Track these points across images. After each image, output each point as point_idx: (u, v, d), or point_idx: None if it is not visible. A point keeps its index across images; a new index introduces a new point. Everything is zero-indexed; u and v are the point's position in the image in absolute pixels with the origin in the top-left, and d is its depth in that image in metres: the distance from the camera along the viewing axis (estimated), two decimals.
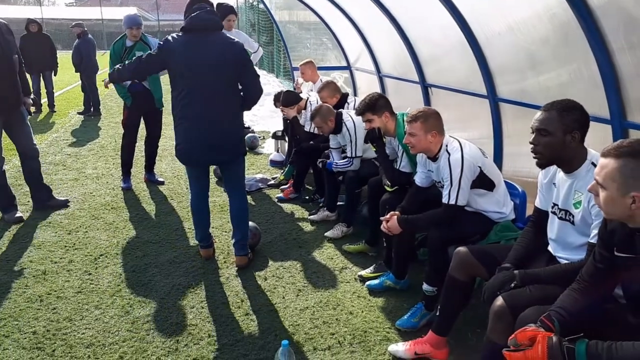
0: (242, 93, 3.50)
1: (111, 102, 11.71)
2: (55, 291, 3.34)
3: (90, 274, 3.60)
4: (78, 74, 10.41)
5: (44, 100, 10.61)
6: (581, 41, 2.70)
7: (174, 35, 3.35)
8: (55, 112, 10.52)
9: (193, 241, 4.03)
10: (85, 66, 10.08)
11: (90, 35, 10.41)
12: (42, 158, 6.67)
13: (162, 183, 5.72)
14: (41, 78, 10.30)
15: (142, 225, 4.51)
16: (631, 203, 1.54)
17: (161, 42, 3.38)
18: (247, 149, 7.29)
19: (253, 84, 3.47)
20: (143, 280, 3.51)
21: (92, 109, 10.24)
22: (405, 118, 3.03)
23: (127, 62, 3.71)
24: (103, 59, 12.28)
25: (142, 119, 5.51)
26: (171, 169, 6.30)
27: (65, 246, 4.03)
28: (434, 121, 2.91)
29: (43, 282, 3.47)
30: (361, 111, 3.50)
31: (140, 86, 5.21)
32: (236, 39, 3.45)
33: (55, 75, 10.50)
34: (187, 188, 5.49)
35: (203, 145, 3.38)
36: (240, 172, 3.69)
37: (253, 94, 3.51)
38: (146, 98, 5.29)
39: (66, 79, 14.96)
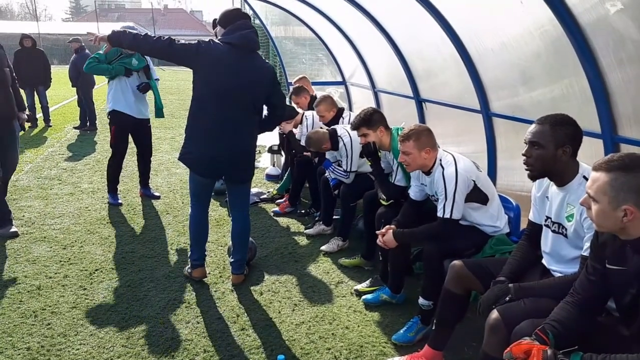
0: (267, 112, 3.55)
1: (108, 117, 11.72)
2: (49, 306, 3.32)
3: (85, 289, 3.58)
4: (74, 88, 10.43)
5: (39, 115, 10.63)
6: (572, 57, 2.75)
7: (216, 41, 3.29)
8: (51, 126, 10.53)
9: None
10: (82, 81, 10.11)
11: (87, 51, 10.46)
12: (37, 172, 6.72)
13: (158, 197, 5.71)
14: (35, 93, 10.33)
15: (137, 239, 4.50)
16: (623, 216, 1.56)
17: (200, 41, 3.23)
18: None
19: (281, 104, 3.56)
20: (138, 295, 3.49)
21: (88, 124, 10.26)
22: (398, 137, 3.07)
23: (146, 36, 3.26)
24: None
25: (129, 137, 5.46)
26: (167, 184, 6.30)
27: (60, 261, 4.02)
28: (426, 138, 2.94)
29: (37, 297, 3.45)
30: (356, 126, 3.54)
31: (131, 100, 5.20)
32: (268, 61, 3.50)
33: (47, 89, 10.54)
34: (183, 202, 5.49)
35: (223, 159, 3.34)
36: (248, 193, 3.70)
37: (280, 112, 3.58)
38: (130, 120, 5.27)
39: (62, 94, 15.00)
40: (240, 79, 3.25)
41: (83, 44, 10.39)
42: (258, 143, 7.91)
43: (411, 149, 2.93)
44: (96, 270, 3.87)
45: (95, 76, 10.57)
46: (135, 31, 3.38)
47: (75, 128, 10.30)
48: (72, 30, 35.11)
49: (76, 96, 10.60)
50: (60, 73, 11.92)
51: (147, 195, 5.72)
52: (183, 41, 3.26)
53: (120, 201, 5.47)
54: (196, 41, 3.26)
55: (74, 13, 77.40)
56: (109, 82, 5.27)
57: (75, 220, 4.96)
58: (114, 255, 4.14)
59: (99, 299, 3.44)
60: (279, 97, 3.53)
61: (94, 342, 2.93)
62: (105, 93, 5.48)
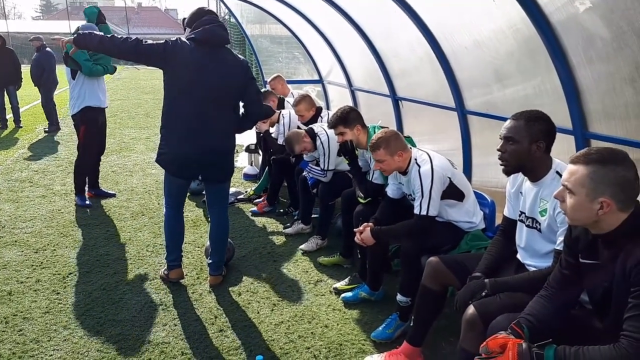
0: (243, 110, 3.47)
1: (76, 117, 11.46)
2: (21, 312, 3.24)
3: (58, 293, 3.50)
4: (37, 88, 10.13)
5: (9, 116, 10.34)
6: (544, 55, 2.80)
7: (183, 39, 3.24)
8: (21, 127, 10.24)
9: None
10: (45, 79, 9.85)
11: (48, 48, 10.20)
12: (7, 175, 6.55)
13: (114, 195, 5.64)
14: (5, 93, 10.05)
15: (112, 242, 4.42)
16: (599, 209, 1.59)
17: (168, 41, 3.19)
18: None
19: (256, 101, 3.46)
20: (114, 298, 3.43)
21: (52, 125, 9.99)
22: (370, 142, 3.07)
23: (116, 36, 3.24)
24: (62, 74, 12.02)
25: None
26: (142, 184, 6.21)
27: (32, 265, 3.92)
28: (395, 142, 2.96)
29: (9, 302, 3.35)
30: (334, 124, 3.54)
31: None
32: (241, 56, 3.43)
33: (18, 89, 10.26)
34: (159, 203, 5.42)
35: (198, 159, 3.28)
36: (226, 193, 3.65)
37: (256, 109, 3.49)
38: (100, 113, 5.25)
39: (33, 94, 14.58)
40: (209, 75, 3.18)
41: (45, 42, 10.14)
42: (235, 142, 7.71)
43: (383, 156, 2.96)
44: (69, 273, 3.79)
45: (58, 76, 10.27)
46: (100, 33, 3.31)
47: (45, 131, 10.01)
48: (43, 29, 34.39)
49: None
50: (30, 73, 11.59)
51: (100, 195, 5.60)
52: (151, 41, 3.20)
53: (88, 202, 5.34)
54: (163, 41, 3.20)
55: (45, 11, 75.54)
56: (73, 79, 5.07)
57: (47, 223, 4.84)
58: (88, 258, 4.05)
59: (73, 303, 3.36)
60: (254, 93, 3.44)
61: (68, 348, 2.87)
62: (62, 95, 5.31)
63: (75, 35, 3.31)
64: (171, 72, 3.20)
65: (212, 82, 3.19)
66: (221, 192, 3.59)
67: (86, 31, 3.31)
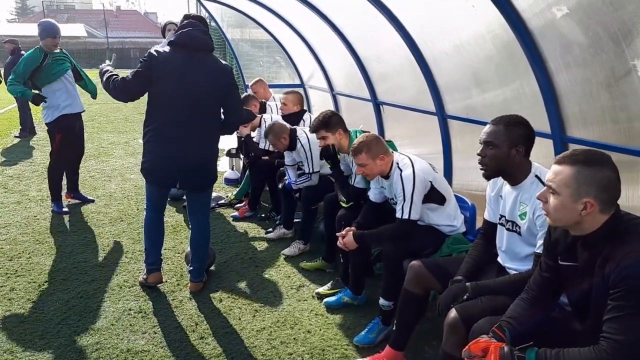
0: (223, 116, 3.41)
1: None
2: None
3: (34, 302, 3.41)
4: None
5: None
6: (522, 60, 2.84)
7: (159, 49, 3.21)
8: None
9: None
10: None
11: (23, 52, 9.99)
12: None
13: (93, 201, 5.55)
14: None
15: (90, 248, 4.33)
16: (582, 209, 1.61)
17: (145, 57, 3.18)
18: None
19: (237, 109, 3.42)
20: (91, 306, 3.36)
21: (26, 129, 9.78)
22: (351, 148, 3.07)
23: (111, 77, 3.29)
24: None
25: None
26: (121, 190, 6.11)
27: (7, 273, 3.81)
28: (376, 146, 2.97)
29: None
30: (316, 128, 3.53)
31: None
32: (225, 62, 3.38)
33: None
34: (137, 209, 5.33)
35: (179, 168, 3.25)
36: (207, 201, 3.60)
37: (235, 118, 3.45)
38: (77, 118, 5.16)
39: (8, 98, 14.29)
40: (187, 80, 3.14)
41: (20, 46, 9.94)
42: None
43: (365, 160, 2.96)
44: (45, 281, 3.70)
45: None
46: (111, 74, 3.35)
47: (16, 136, 9.79)
48: (19, 32, 33.64)
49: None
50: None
51: (78, 199, 5.51)
52: (130, 72, 3.23)
53: (66, 209, 5.24)
54: (142, 60, 3.19)
55: (20, 14, 74.10)
56: (45, 85, 4.92)
57: (22, 230, 4.72)
58: (65, 266, 3.96)
59: (49, 312, 3.28)
60: (235, 102, 3.39)
61: (44, 358, 2.79)
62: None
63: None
64: (155, 83, 3.17)
65: (192, 88, 3.15)
66: (203, 200, 3.54)
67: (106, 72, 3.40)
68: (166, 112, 3.17)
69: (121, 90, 3.23)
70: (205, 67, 3.20)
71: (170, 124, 3.18)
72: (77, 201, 5.51)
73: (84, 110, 5.32)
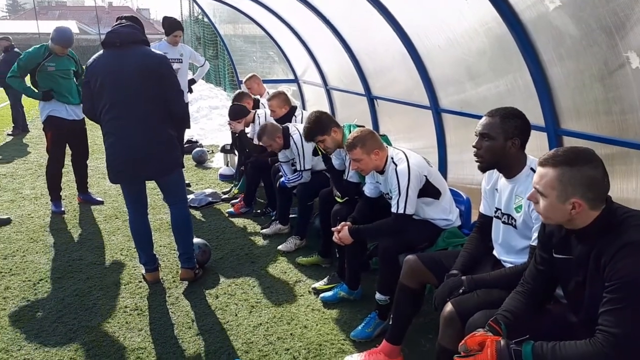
0: (168, 110, 3.35)
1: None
2: None
3: (29, 300, 3.40)
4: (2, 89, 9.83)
5: None
6: (515, 53, 2.83)
7: (93, 57, 3.31)
8: None
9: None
10: None
11: (17, 49, 9.92)
12: None
13: (102, 202, 5.49)
14: None
15: (85, 246, 4.31)
16: (571, 209, 1.61)
17: (84, 76, 3.32)
18: (195, 163, 7.20)
19: (175, 98, 3.33)
20: (87, 304, 3.35)
21: (13, 127, 9.69)
22: (347, 139, 3.07)
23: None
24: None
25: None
26: (115, 187, 6.05)
27: (1, 272, 3.79)
28: (371, 141, 2.96)
29: None
30: (311, 136, 3.50)
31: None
32: (158, 51, 3.36)
33: None
34: None
35: (127, 160, 3.27)
36: (176, 184, 3.52)
37: (177, 108, 3.36)
38: (66, 119, 5.07)
39: (1, 96, 14.20)
40: (119, 74, 3.17)
41: (13, 43, 9.85)
42: (211, 142, 7.78)
43: (360, 155, 2.95)
44: (40, 280, 3.68)
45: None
46: None
47: (9, 134, 9.71)
48: (11, 29, 33.41)
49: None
50: None
51: (87, 200, 5.47)
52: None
53: (63, 209, 5.20)
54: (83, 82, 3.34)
55: (11, 11, 73.47)
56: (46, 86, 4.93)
57: (16, 228, 4.70)
58: (59, 264, 3.95)
59: (45, 310, 3.27)
60: (172, 91, 3.31)
61: (40, 356, 2.78)
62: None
63: None
64: (95, 86, 3.23)
65: (124, 79, 3.18)
66: (172, 184, 3.51)
67: None
68: (108, 109, 3.23)
69: (90, 118, 3.42)
70: (133, 57, 3.21)
71: (113, 119, 3.23)
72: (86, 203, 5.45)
73: (78, 119, 5.12)
